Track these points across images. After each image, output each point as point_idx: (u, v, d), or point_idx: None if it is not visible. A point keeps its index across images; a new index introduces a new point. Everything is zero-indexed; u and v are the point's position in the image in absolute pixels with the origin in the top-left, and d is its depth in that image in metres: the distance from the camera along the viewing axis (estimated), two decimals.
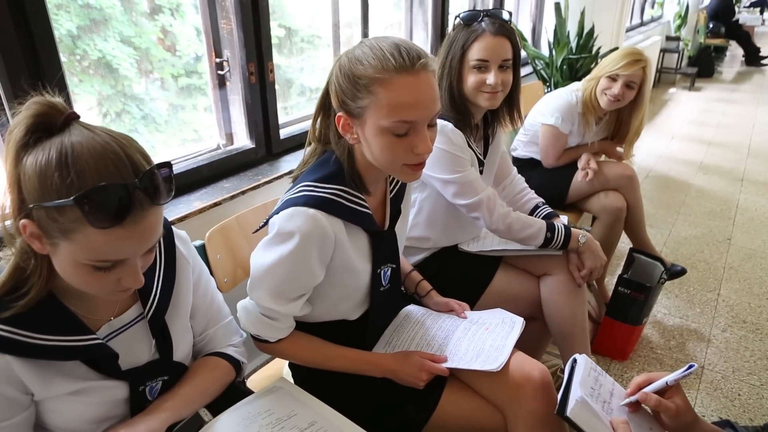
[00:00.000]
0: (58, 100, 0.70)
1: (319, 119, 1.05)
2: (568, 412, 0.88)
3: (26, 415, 0.78)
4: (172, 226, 0.95)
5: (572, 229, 1.51)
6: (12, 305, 0.74)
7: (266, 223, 1.03)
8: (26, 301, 0.74)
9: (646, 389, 0.93)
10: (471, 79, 1.40)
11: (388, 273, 1.14)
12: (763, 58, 8.31)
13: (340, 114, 0.96)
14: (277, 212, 0.99)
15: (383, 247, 1.11)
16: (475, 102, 1.44)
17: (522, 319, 1.23)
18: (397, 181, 1.16)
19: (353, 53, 0.93)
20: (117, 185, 0.66)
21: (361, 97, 0.91)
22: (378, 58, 0.89)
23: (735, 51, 8.58)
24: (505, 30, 1.39)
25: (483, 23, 1.38)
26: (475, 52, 1.38)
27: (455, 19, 1.44)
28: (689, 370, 0.90)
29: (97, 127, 0.71)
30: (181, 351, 0.95)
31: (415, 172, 0.98)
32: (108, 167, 0.67)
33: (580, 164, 2.26)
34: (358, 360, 1.12)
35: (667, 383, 0.91)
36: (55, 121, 0.69)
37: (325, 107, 1.03)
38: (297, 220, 0.95)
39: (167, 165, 0.73)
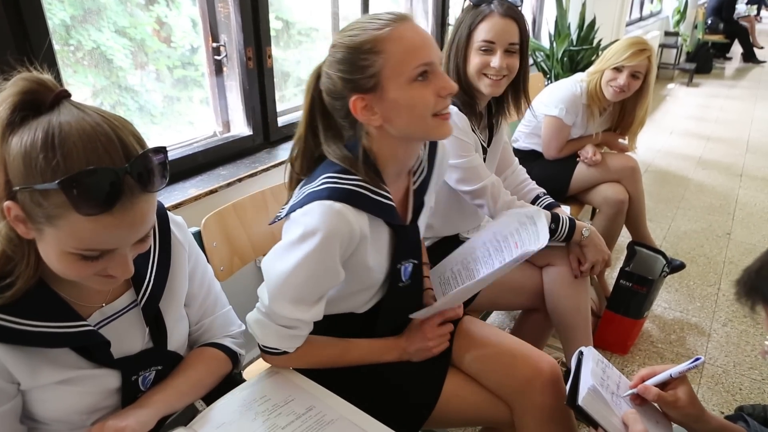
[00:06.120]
0: (47, 77, 0.66)
1: (307, 137, 1.01)
2: (580, 401, 0.86)
3: (11, 406, 0.75)
4: (169, 212, 0.91)
5: (576, 221, 1.48)
6: None
7: (287, 215, 0.96)
8: (13, 291, 0.70)
9: (648, 382, 0.91)
10: (475, 61, 1.36)
11: (409, 269, 1.08)
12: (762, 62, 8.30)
13: (354, 98, 0.91)
14: (299, 206, 0.92)
15: (405, 241, 1.05)
16: (476, 87, 1.40)
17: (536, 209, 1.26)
18: (422, 172, 1.09)
19: (338, 42, 0.92)
20: (106, 169, 0.63)
21: (370, 62, 0.88)
22: (369, 23, 0.90)
23: (737, 48, 8.56)
24: (514, 12, 1.36)
25: (492, 5, 1.35)
26: (481, 33, 1.35)
27: (465, 0, 1.41)
28: (695, 363, 0.88)
29: (89, 107, 0.67)
30: (176, 340, 0.91)
31: (445, 122, 0.95)
32: (97, 150, 0.63)
33: (584, 156, 2.23)
34: (366, 357, 1.08)
35: (671, 376, 0.89)
36: (43, 99, 0.65)
37: (313, 121, 1.00)
38: (321, 215, 0.88)
39: (162, 150, 0.69)
